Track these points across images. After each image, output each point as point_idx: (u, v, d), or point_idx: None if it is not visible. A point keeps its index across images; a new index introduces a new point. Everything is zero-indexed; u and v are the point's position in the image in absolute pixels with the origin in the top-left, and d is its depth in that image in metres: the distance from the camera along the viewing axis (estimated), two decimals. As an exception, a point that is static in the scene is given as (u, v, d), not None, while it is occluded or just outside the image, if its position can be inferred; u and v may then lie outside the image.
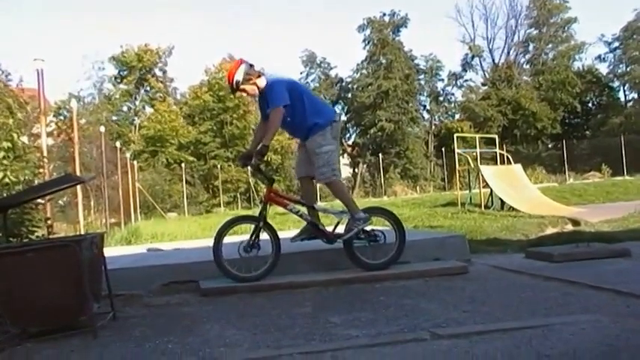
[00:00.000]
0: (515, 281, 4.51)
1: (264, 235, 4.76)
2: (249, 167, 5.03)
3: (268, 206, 4.90)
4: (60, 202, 12.90)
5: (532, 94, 42.74)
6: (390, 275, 4.73)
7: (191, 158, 36.67)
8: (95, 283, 3.62)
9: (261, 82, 4.87)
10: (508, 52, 47.99)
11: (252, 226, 4.78)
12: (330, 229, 5.02)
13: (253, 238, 4.69)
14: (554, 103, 42.94)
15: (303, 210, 5.04)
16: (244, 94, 5.13)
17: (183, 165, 33.04)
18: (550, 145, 43.15)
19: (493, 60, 48.34)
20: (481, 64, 48.45)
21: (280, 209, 5.23)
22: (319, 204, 5.20)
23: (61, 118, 25.51)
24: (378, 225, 5.28)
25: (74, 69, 73.16)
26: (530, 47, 47.57)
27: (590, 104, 46.43)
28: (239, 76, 4.80)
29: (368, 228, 4.89)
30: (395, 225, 5.01)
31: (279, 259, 4.74)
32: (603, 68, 46.29)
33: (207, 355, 2.86)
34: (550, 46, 46.46)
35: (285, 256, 4.87)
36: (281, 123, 4.78)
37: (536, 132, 42.74)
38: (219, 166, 35.30)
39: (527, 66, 47.90)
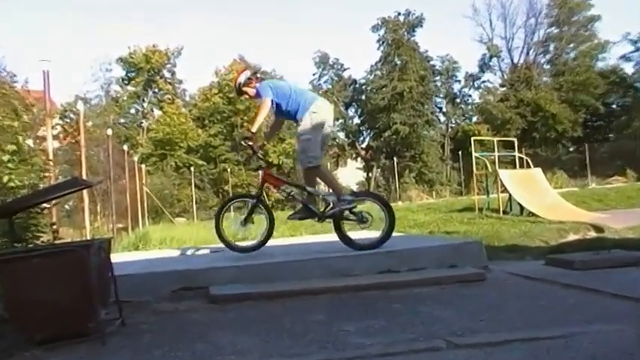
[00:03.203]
0: (534, 289, 4.50)
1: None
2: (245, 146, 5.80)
3: (265, 186, 5.82)
4: (66, 206, 12.98)
5: (552, 96, 42.38)
6: (405, 282, 4.73)
7: (200, 162, 36.82)
8: (103, 289, 3.65)
9: (258, 86, 5.80)
10: (527, 52, 47.67)
11: (250, 204, 5.67)
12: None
13: (249, 214, 5.65)
14: (575, 105, 42.50)
15: (296, 190, 5.73)
16: (246, 96, 5.97)
17: (192, 169, 33.19)
18: (571, 149, 42.84)
19: (512, 60, 48.07)
20: (499, 65, 48.21)
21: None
22: (309, 188, 5.64)
23: (68, 120, 25.67)
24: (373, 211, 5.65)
25: (81, 71, 73.79)
26: (551, 47, 47.11)
27: (613, 106, 45.73)
28: (241, 79, 5.84)
29: (357, 210, 5.51)
30: (383, 206, 5.54)
31: (272, 233, 5.65)
32: (628, 68, 45.36)
33: (217, 363, 2.87)
34: (571, 45, 45.91)
35: (298, 263, 5.02)
36: (278, 115, 5.87)
37: (557, 135, 42.38)
38: (229, 170, 35.37)
39: (547, 66, 47.55)
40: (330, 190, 5.75)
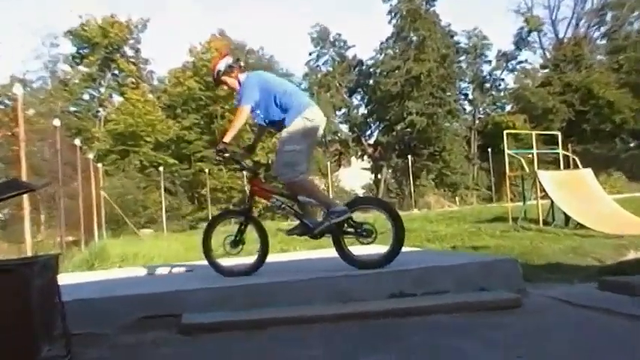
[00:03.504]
0: (585, 319, 4.47)
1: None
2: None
3: (253, 200, 6.06)
4: (0, 215, 12.92)
5: (608, 78, 42.09)
6: (422, 308, 4.71)
7: (172, 160, 36.76)
8: (47, 318, 3.61)
9: (242, 78, 5.94)
10: (577, 24, 47.54)
11: (238, 222, 5.93)
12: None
13: (238, 233, 5.83)
14: (638, 90, 42.09)
15: (287, 202, 5.86)
16: (225, 87, 6.16)
17: (161, 169, 33.10)
18: (632, 144, 42.48)
19: (557, 35, 48.14)
20: (540, 41, 48.31)
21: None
22: (301, 197, 5.75)
23: (1, 107, 25.68)
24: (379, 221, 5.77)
25: (19, 45, 73.19)
26: (608, 17, 46.63)
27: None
28: (221, 66, 5.97)
29: (356, 221, 5.60)
30: (389, 215, 5.55)
31: (267, 253, 5.85)
32: None
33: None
34: (636, 13, 45.08)
35: (291, 284, 5.04)
36: (256, 120, 6.00)
37: (613, 127, 41.98)
38: (207, 171, 35.27)
39: (603, 41, 47.32)
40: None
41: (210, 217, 33.28)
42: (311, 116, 5.72)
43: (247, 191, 6.18)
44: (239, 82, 5.91)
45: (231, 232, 5.90)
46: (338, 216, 5.45)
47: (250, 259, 5.90)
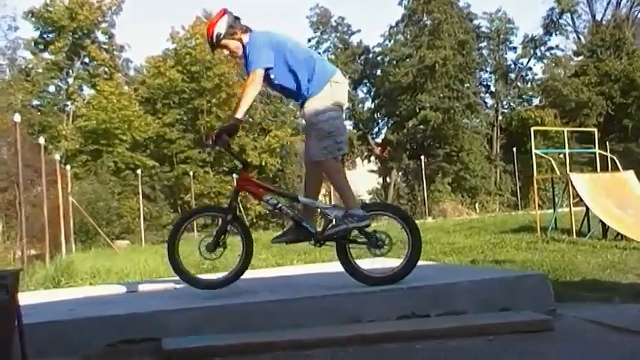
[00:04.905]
0: (628, 346, 4.44)
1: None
2: (217, 148, 5.91)
3: (238, 196, 5.77)
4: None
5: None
6: (437, 332, 4.69)
7: (151, 162, 36.65)
8: (4, 344, 3.59)
9: (246, 39, 5.61)
10: (618, 3, 47.39)
11: (220, 220, 5.61)
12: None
13: (219, 234, 5.46)
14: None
15: (284, 202, 5.82)
16: (226, 52, 5.78)
17: (139, 172, 33.03)
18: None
19: (593, 17, 48.02)
20: (574, 24, 48.21)
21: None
22: (303, 198, 5.64)
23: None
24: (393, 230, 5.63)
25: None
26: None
27: None
28: (220, 28, 5.52)
29: (369, 229, 5.46)
30: (404, 224, 5.50)
31: (249, 262, 5.53)
32: None
33: None
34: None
35: (287, 303, 5.00)
36: (270, 87, 5.81)
37: (660, 123, 41.83)
38: (191, 174, 35.17)
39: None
40: (333, 203, 5.76)
41: (195, 227, 33.24)
42: (339, 79, 5.63)
43: (234, 186, 6.06)
44: (243, 45, 5.59)
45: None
46: (358, 220, 5.32)
47: (229, 268, 5.64)
